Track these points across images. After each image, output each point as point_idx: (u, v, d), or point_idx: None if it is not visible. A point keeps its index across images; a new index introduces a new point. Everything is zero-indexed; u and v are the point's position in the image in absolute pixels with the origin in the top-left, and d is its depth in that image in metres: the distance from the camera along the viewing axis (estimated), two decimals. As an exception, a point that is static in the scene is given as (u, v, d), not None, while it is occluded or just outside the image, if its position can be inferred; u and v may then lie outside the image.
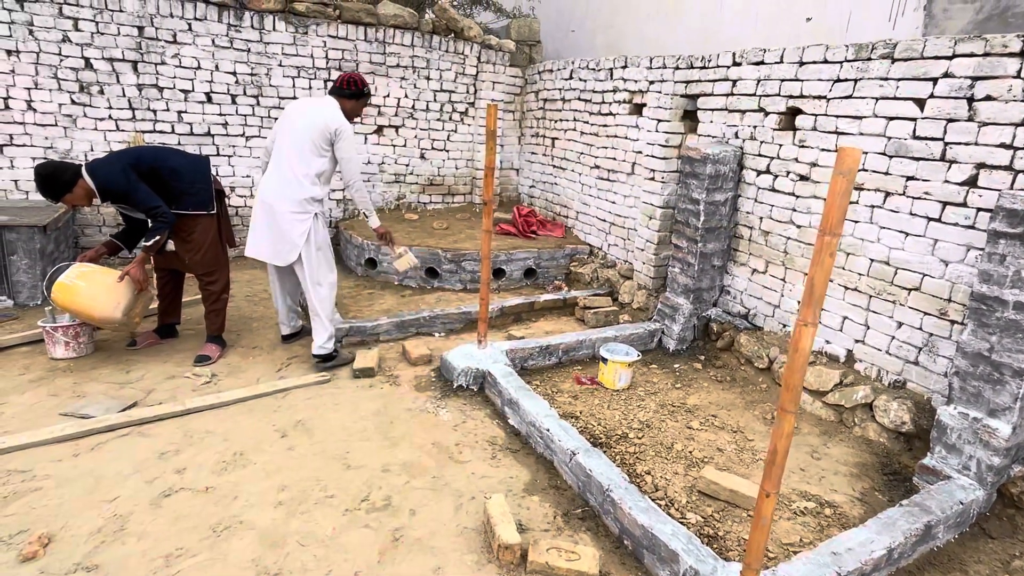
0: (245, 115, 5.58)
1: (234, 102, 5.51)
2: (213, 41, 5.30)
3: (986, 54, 2.71)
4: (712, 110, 4.19)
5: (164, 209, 3.42)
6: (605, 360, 3.54)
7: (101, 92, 5.08)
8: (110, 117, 5.15)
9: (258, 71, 5.51)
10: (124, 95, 5.14)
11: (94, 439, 2.78)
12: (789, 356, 1.64)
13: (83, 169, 3.29)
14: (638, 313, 4.65)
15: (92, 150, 5.16)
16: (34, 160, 5.02)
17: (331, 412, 3.14)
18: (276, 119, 5.67)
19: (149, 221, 3.47)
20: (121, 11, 4.97)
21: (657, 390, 3.60)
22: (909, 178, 3.06)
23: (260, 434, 2.90)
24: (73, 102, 5.03)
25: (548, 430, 2.81)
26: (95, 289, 3.36)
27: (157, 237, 3.42)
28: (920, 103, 2.99)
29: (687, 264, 4.13)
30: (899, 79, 3.06)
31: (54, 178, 3.22)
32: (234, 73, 5.44)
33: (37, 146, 5.01)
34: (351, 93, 3.55)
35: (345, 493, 2.51)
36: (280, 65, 5.56)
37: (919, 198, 3.03)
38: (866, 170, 3.25)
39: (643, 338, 4.15)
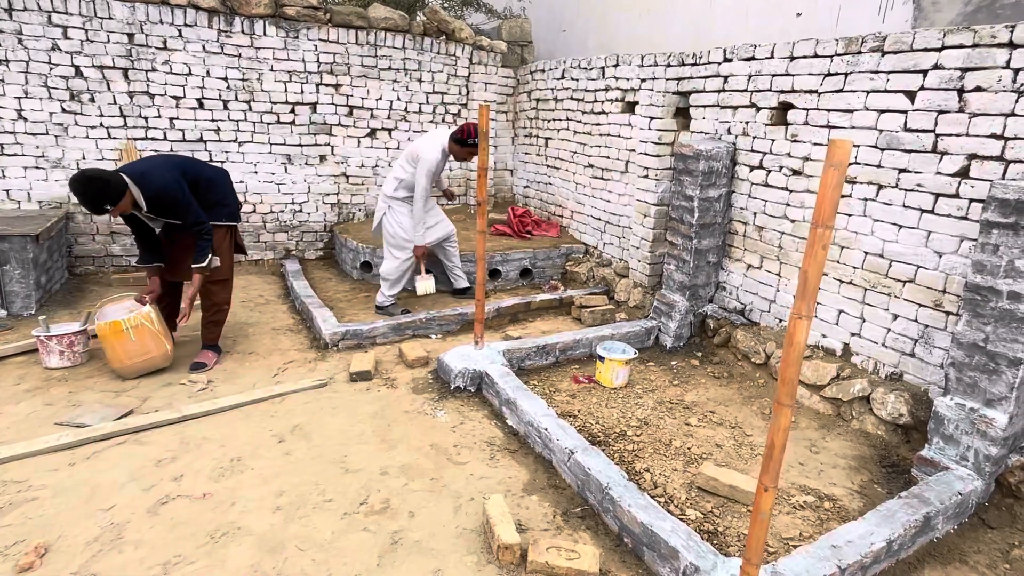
0: (237, 120, 5.56)
1: (226, 108, 5.50)
2: (204, 47, 5.28)
3: (975, 45, 2.72)
4: (704, 107, 4.20)
5: (208, 224, 3.48)
6: (602, 358, 3.53)
7: (92, 100, 5.06)
8: (101, 125, 5.13)
9: (249, 76, 5.49)
10: (115, 102, 5.12)
11: (90, 448, 2.76)
12: (784, 349, 1.64)
13: (125, 177, 3.22)
14: (634, 311, 4.65)
15: (84, 158, 5.14)
16: (25, 169, 5.00)
17: (328, 416, 3.13)
18: (270, 124, 5.66)
19: (160, 232, 3.55)
20: (110, 18, 4.95)
21: (655, 387, 3.60)
22: (901, 170, 3.07)
23: (257, 440, 2.89)
24: (64, 110, 5.01)
25: (546, 429, 2.80)
26: (146, 342, 3.42)
27: (209, 255, 3.48)
28: (911, 95, 2.99)
29: (682, 261, 4.13)
30: (889, 72, 3.06)
31: (105, 187, 3.07)
32: (225, 79, 5.43)
33: (28, 155, 4.99)
34: (457, 139, 4.28)
35: (343, 497, 2.50)
36: (271, 70, 5.55)
37: (912, 190, 3.03)
38: (858, 163, 3.25)
39: (640, 336, 4.15)
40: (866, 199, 3.25)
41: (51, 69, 4.89)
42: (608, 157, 5.21)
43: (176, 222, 3.43)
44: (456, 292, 4.97)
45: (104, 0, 4.90)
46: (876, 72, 3.12)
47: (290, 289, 5.05)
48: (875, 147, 3.17)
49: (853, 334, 3.40)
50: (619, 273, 5.05)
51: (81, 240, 5.29)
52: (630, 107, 4.90)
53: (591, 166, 5.46)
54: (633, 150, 4.83)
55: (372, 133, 6.13)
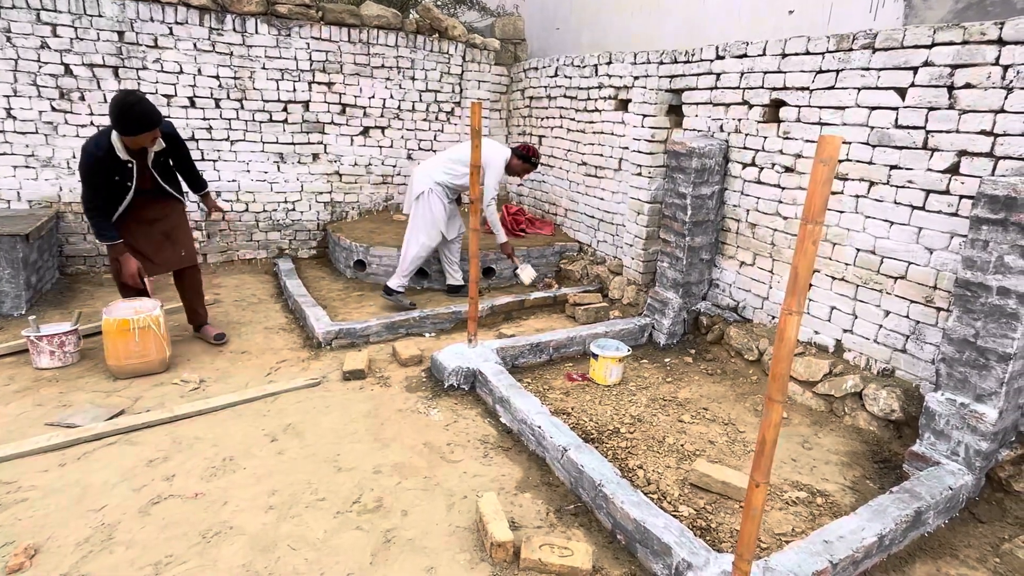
0: (229, 119, 5.53)
1: (218, 106, 5.47)
2: (195, 45, 5.25)
3: (965, 42, 2.73)
4: (697, 104, 4.20)
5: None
6: (596, 356, 3.54)
7: (82, 98, 5.02)
8: (92, 124, 5.09)
9: (241, 74, 5.47)
10: (106, 101, 5.08)
11: (81, 448, 2.74)
12: (775, 346, 1.64)
13: None
14: (628, 309, 4.66)
15: (74, 157, 5.10)
16: (15, 168, 4.96)
17: (321, 415, 3.12)
18: (262, 123, 5.63)
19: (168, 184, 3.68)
20: (100, 16, 4.91)
21: (648, 385, 3.60)
22: (892, 167, 3.08)
23: (250, 439, 2.88)
24: (54, 109, 4.97)
25: (539, 427, 2.80)
26: (147, 345, 3.45)
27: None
28: (901, 92, 3.00)
29: (675, 258, 4.14)
30: (880, 69, 3.07)
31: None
32: (217, 77, 5.40)
33: (18, 154, 4.95)
34: (521, 155, 4.63)
35: (336, 496, 2.49)
36: (264, 68, 5.53)
37: (903, 187, 3.04)
38: (850, 160, 3.27)
39: (633, 333, 4.15)
40: (858, 196, 3.26)
41: (40, 67, 4.85)
42: (601, 155, 5.21)
43: (169, 179, 3.68)
44: (449, 290, 4.97)
45: (94, -2, 4.86)
46: (867, 69, 3.13)
47: (283, 288, 5.03)
48: (866, 144, 3.18)
49: (845, 331, 3.41)
50: (613, 271, 5.05)
51: (72, 240, 5.26)
52: (623, 105, 4.90)
53: (584, 164, 5.46)
54: (626, 148, 4.84)
55: (365, 131, 6.11)
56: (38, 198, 5.08)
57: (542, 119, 6.07)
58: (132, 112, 3.19)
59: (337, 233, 5.62)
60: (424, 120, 6.34)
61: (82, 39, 4.91)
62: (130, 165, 3.42)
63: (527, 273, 4.88)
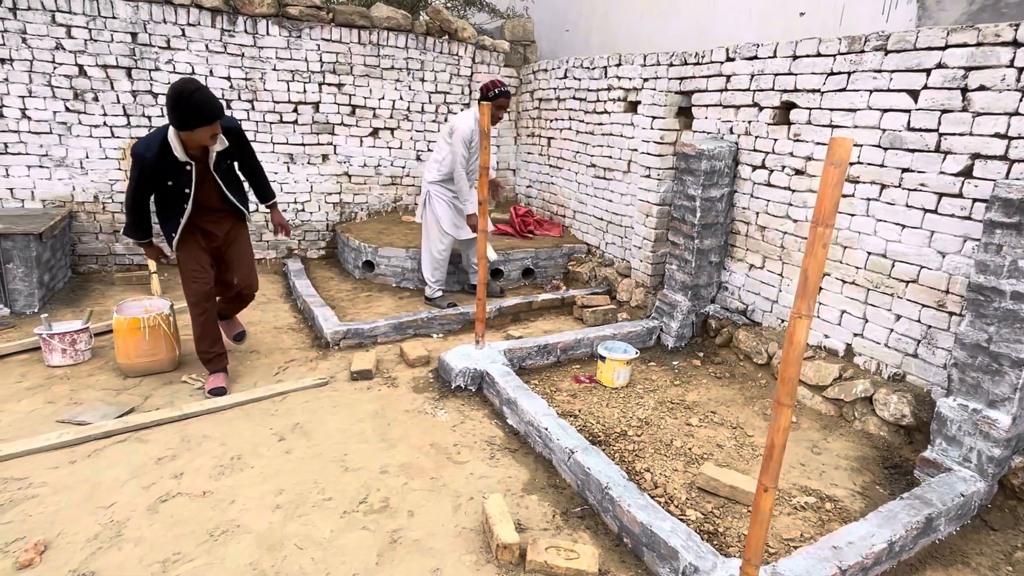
0: (240, 120, 5.57)
1: (229, 107, 5.50)
2: (207, 46, 5.29)
3: (979, 44, 2.70)
4: (706, 106, 4.19)
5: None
6: (603, 358, 3.53)
7: (96, 99, 5.07)
8: (105, 124, 5.14)
9: (252, 75, 5.50)
10: (119, 101, 5.14)
11: (91, 445, 2.77)
12: (784, 349, 1.63)
13: None
14: (636, 311, 4.64)
15: (88, 157, 5.16)
16: (29, 168, 5.02)
17: (329, 415, 3.13)
18: (272, 124, 5.67)
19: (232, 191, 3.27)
20: (114, 18, 4.96)
21: (656, 387, 3.59)
22: (904, 170, 3.05)
23: (257, 438, 2.89)
24: (68, 109, 5.02)
25: (546, 429, 2.79)
26: (157, 344, 3.46)
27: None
28: (914, 94, 2.98)
29: (684, 261, 4.12)
30: (892, 71, 3.05)
31: (212, 97, 2.87)
32: (228, 78, 5.43)
33: (32, 154, 5.01)
34: (481, 98, 4.33)
35: (343, 495, 2.50)
36: (274, 69, 5.56)
37: (915, 190, 3.01)
38: (861, 163, 3.24)
39: (641, 336, 4.14)
40: (869, 199, 3.23)
41: (55, 68, 4.91)
42: (610, 157, 5.20)
43: (231, 177, 3.25)
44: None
45: (109, 1, 4.91)
46: (879, 71, 3.10)
47: (292, 288, 5.05)
48: (878, 146, 3.16)
49: (856, 335, 3.38)
50: (621, 273, 5.04)
51: (84, 239, 5.31)
52: (632, 107, 4.89)
53: (593, 166, 5.45)
54: (635, 150, 4.82)
55: (374, 132, 6.13)
56: (51, 198, 5.14)
57: (551, 120, 6.07)
58: (190, 102, 2.76)
59: (346, 234, 5.65)
60: (433, 121, 6.35)
61: (96, 40, 4.96)
62: (188, 167, 3.00)
63: (491, 253, 4.69)
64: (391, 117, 6.15)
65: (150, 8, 5.04)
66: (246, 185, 3.45)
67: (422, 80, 6.17)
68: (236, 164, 3.29)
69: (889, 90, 3.07)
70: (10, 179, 4.99)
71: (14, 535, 2.19)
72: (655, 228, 4.54)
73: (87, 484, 2.50)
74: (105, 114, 5.13)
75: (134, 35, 5.05)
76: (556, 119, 5.98)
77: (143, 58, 5.12)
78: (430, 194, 4.61)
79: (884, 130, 3.12)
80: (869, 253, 3.26)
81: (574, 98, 5.64)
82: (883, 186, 3.16)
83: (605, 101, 5.19)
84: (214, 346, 3.35)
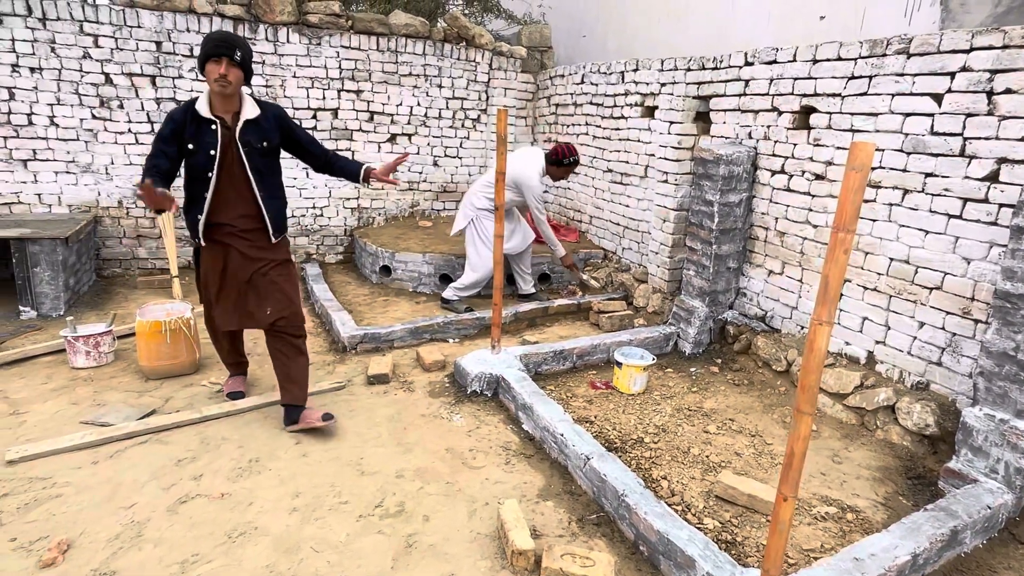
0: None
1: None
2: (229, 54, 5.37)
3: (1005, 46, 2.65)
4: (725, 111, 4.16)
5: None
6: (620, 364, 3.51)
7: (121, 106, 5.18)
8: (129, 131, 5.25)
9: (272, 83, 5.58)
10: (143, 109, 5.24)
11: (113, 446, 2.81)
12: (804, 356, 1.60)
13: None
14: (653, 317, 4.61)
15: (112, 163, 5.26)
16: (56, 174, 5.13)
17: (345, 419, 3.15)
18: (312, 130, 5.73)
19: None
20: (139, 27, 5.07)
21: (673, 394, 3.56)
22: (928, 175, 3.00)
23: (275, 441, 2.92)
24: (94, 116, 5.13)
25: (562, 435, 2.78)
26: (178, 347, 3.51)
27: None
28: (937, 98, 2.93)
29: (702, 267, 4.09)
30: (915, 74, 3.00)
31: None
32: (249, 85, 5.51)
33: (59, 160, 5.12)
34: (553, 161, 4.52)
35: (359, 499, 2.51)
36: (294, 76, 5.63)
37: (939, 195, 2.96)
38: (883, 167, 3.19)
39: (658, 342, 4.11)
40: (891, 204, 3.18)
41: (82, 76, 5.02)
42: (627, 162, 5.18)
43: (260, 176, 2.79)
44: (520, 296, 5.00)
45: (134, 10, 5.02)
46: (902, 75, 3.06)
47: (310, 292, 5.10)
48: (900, 151, 3.11)
49: (878, 342, 3.32)
50: (638, 278, 5.01)
51: (109, 243, 5.41)
52: (650, 111, 4.87)
53: (610, 171, 5.44)
54: (652, 155, 4.80)
55: (392, 139, 6.18)
56: (78, 203, 5.25)
57: (568, 126, 6.07)
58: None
59: (363, 239, 5.69)
60: (450, 127, 6.39)
61: (122, 49, 5.07)
62: (213, 126, 2.68)
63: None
64: (408, 123, 6.19)
65: (174, 17, 5.14)
66: (296, 195, 3.16)
67: (439, 86, 6.21)
68: (278, 167, 2.91)
69: (912, 94, 3.03)
70: (38, 185, 5.11)
71: (38, 534, 2.23)
72: (672, 233, 4.51)
73: (109, 484, 2.54)
74: (130, 121, 5.23)
75: (158, 44, 5.16)
76: (573, 124, 5.98)
77: (167, 66, 5.22)
78: (478, 216, 4.62)
79: (907, 134, 3.07)
80: (891, 259, 3.21)
81: (591, 103, 5.64)
82: (906, 191, 3.11)
83: (622, 106, 5.18)
84: (229, 357, 3.33)
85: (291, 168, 5.82)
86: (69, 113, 5.06)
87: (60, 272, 4.34)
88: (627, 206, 5.24)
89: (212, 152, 2.69)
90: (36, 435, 2.87)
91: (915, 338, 3.13)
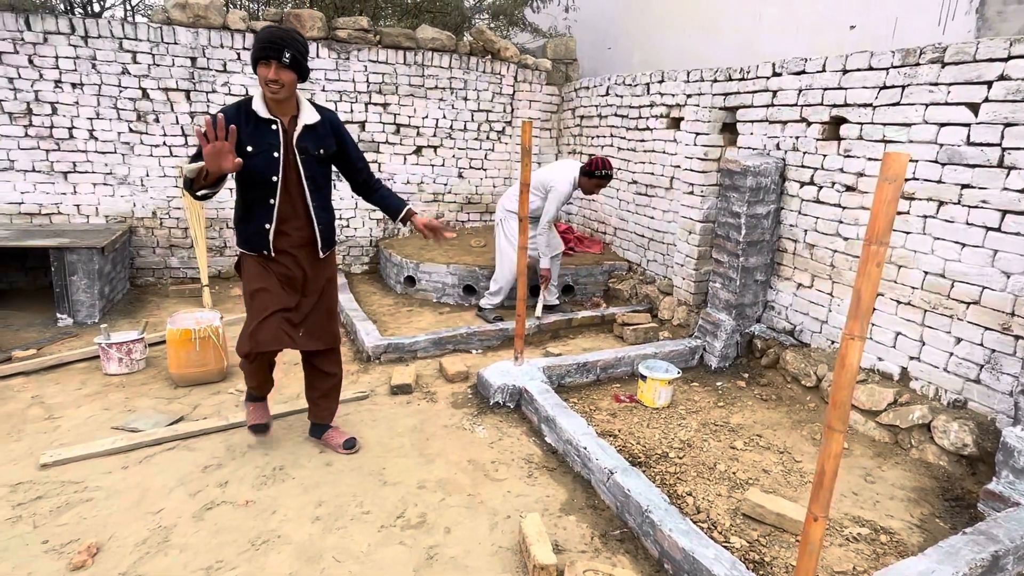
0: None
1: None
2: (260, 69, 5.51)
3: (1045, 55, 2.58)
4: (752, 122, 4.11)
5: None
6: (644, 377, 3.46)
7: (156, 120, 5.33)
8: (164, 144, 5.40)
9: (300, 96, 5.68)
10: (177, 122, 5.39)
11: (142, 452, 2.86)
12: (836, 371, 1.56)
13: None
14: (678, 330, 4.55)
15: (147, 175, 5.41)
16: (94, 186, 5.30)
17: (368, 428, 3.16)
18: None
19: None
20: (176, 43, 5.23)
21: (699, 408, 3.50)
22: (964, 186, 2.92)
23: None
24: (131, 130, 5.29)
25: (585, 448, 2.75)
26: (207, 354, 3.56)
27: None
28: (974, 108, 2.86)
29: (729, 279, 4.03)
30: (950, 84, 2.93)
31: (292, 33, 2.43)
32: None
33: (97, 172, 5.29)
34: (586, 172, 4.48)
35: (381, 510, 2.51)
36: (323, 90, 5.74)
37: (976, 207, 2.88)
38: (917, 179, 3.12)
39: (684, 355, 4.05)
40: (925, 216, 3.10)
41: (120, 91, 5.19)
42: (652, 173, 5.15)
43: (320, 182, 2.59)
44: (544, 307, 4.92)
45: (171, 27, 5.18)
46: (936, 84, 2.99)
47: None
48: (935, 162, 3.03)
49: (912, 358, 3.23)
50: (663, 291, 4.96)
51: (142, 253, 5.55)
52: (675, 123, 4.84)
53: (635, 182, 5.41)
54: (678, 166, 4.77)
55: (418, 150, 6.24)
56: (114, 213, 5.40)
57: (592, 138, 6.06)
58: (258, 36, 2.38)
59: (388, 249, 5.74)
60: (475, 139, 6.43)
61: (159, 65, 5.23)
62: (275, 127, 2.47)
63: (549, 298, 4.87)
64: (434, 135, 6.25)
65: (208, 33, 5.29)
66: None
67: (465, 99, 6.26)
68: (330, 176, 2.70)
69: (947, 103, 2.96)
70: (77, 196, 5.28)
71: (69, 536, 2.27)
72: (698, 246, 4.46)
73: (138, 489, 2.58)
74: (165, 134, 5.38)
75: (193, 59, 5.31)
76: (597, 136, 5.97)
77: (201, 81, 5.36)
78: (506, 218, 4.67)
79: (941, 145, 3.00)
80: (926, 273, 3.12)
81: (616, 115, 5.63)
82: (941, 203, 3.03)
83: (647, 118, 5.16)
84: (259, 378, 2.82)
85: (319, 180, 5.91)
86: (107, 127, 5.23)
87: (96, 280, 4.46)
88: (652, 218, 5.21)
89: (276, 154, 2.47)
90: (70, 439, 2.94)
91: (952, 354, 3.03)
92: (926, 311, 3.14)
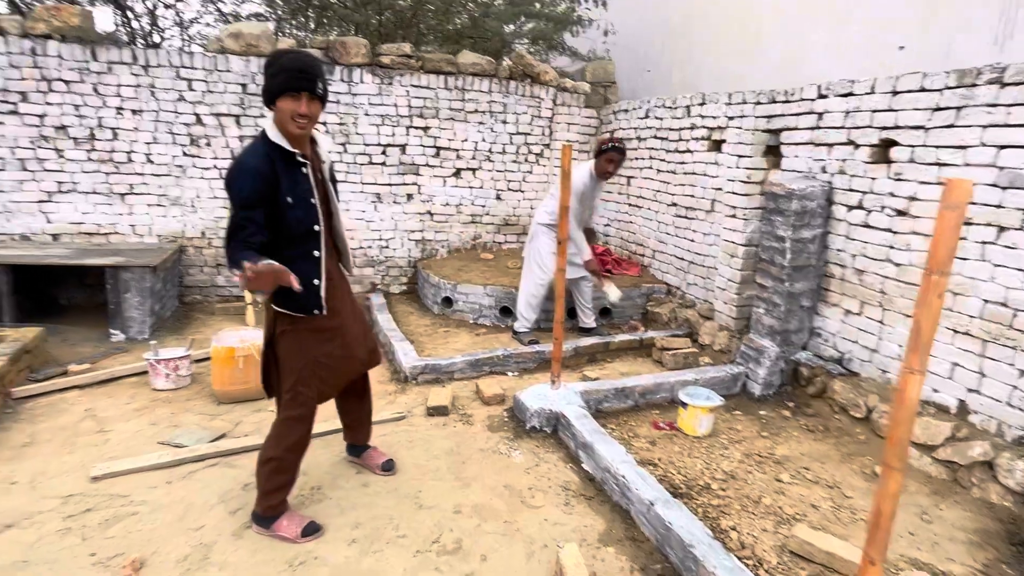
0: (333, 162, 5.91)
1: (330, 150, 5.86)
2: (307, 95, 5.69)
3: (1114, 74, 2.46)
4: (796, 144, 4.03)
5: None
6: (685, 405, 3.38)
7: (208, 144, 5.55)
8: (215, 167, 5.61)
9: (346, 120, 5.85)
10: (227, 146, 5.59)
11: (186, 467, 2.92)
12: (894, 407, 1.49)
13: None
14: (719, 355, 4.44)
15: (198, 196, 5.62)
16: (149, 207, 5.52)
17: (404, 450, 3.16)
18: (362, 165, 5.97)
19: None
20: (228, 71, 5.45)
21: (742, 438, 3.39)
22: (1027, 211, 2.78)
23: (336, 469, 2.96)
24: (184, 154, 5.52)
25: (624, 477, 2.69)
26: (249, 373, 3.62)
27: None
28: (1036, 130, 2.73)
29: (773, 304, 3.92)
30: (1011, 105, 2.82)
31: (315, 64, 2.18)
32: (324, 123, 5.81)
33: (151, 194, 5.51)
34: (595, 152, 4.54)
35: (416, 534, 2.49)
36: (366, 114, 5.89)
37: (1040, 233, 2.74)
38: (975, 203, 2.99)
39: (725, 382, 3.94)
40: (984, 242, 2.96)
41: (176, 117, 5.43)
42: (693, 196, 5.09)
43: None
44: (581, 330, 4.96)
45: (225, 56, 5.41)
46: (994, 106, 2.88)
47: (374, 322, 5.22)
48: (994, 186, 2.90)
49: (970, 390, 3.06)
50: (703, 315, 4.86)
51: (191, 271, 5.74)
52: (716, 145, 4.78)
53: (674, 204, 5.35)
54: (719, 188, 4.70)
55: (457, 173, 6.32)
56: (166, 233, 5.62)
57: (631, 159, 6.04)
58: (279, 63, 2.10)
59: (426, 270, 5.80)
60: (514, 162, 6.48)
61: (212, 92, 5.45)
62: (305, 168, 2.24)
63: (613, 292, 4.79)
64: (473, 158, 6.33)
65: (259, 62, 5.50)
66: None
67: (504, 122, 6.34)
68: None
69: (1007, 125, 2.84)
70: (133, 216, 5.51)
71: (115, 550, 2.32)
72: (740, 269, 4.36)
73: (181, 505, 2.63)
74: (215, 157, 5.59)
75: (244, 86, 5.52)
76: (636, 158, 5.94)
77: (250, 106, 5.57)
78: (537, 232, 4.70)
79: (1001, 168, 2.87)
80: (985, 301, 2.98)
81: (655, 137, 5.60)
82: (1001, 228, 2.89)
83: (688, 140, 5.12)
84: (297, 465, 2.52)
85: (360, 202, 6.05)
86: (163, 151, 5.46)
87: (148, 298, 4.63)
88: (692, 240, 5.13)
89: (312, 200, 2.23)
90: (118, 453, 3.03)
91: (1015, 388, 2.87)
92: (986, 341, 2.98)
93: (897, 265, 3.42)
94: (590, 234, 4.97)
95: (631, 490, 2.62)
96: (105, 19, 10.09)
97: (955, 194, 1.36)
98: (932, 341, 1.44)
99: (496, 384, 3.87)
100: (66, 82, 5.11)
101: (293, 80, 2.08)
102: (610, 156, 4.45)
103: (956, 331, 3.11)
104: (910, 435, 1.51)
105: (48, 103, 5.11)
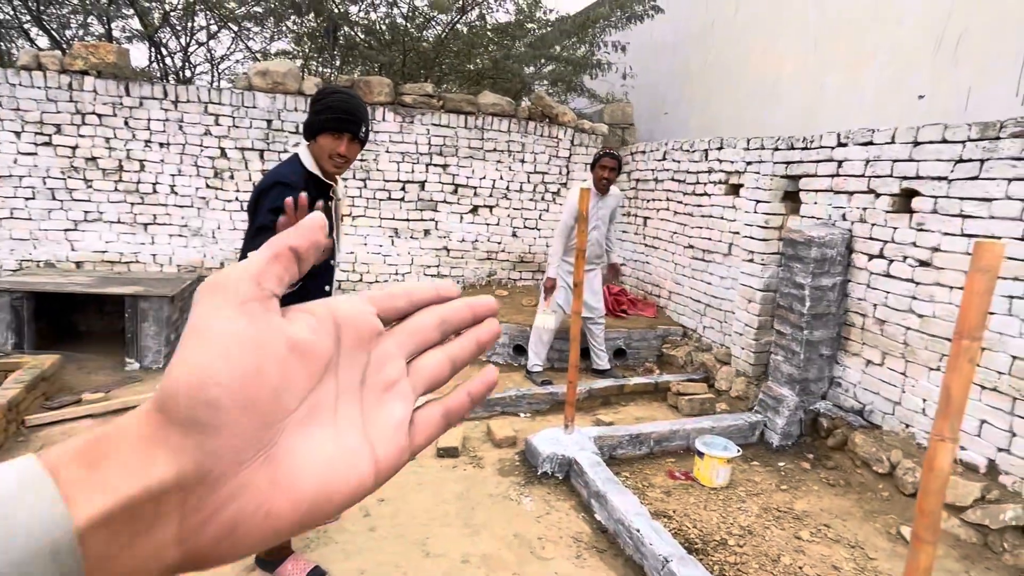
0: (353, 196, 6.00)
1: (345, 184, 5.95)
2: (330, 131, 5.81)
3: None
4: (815, 191, 4.01)
5: None
6: (701, 454, 3.29)
7: (231, 177, 5.66)
8: (236, 199, 5.71)
9: (367, 157, 5.95)
10: (250, 179, 5.70)
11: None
12: (923, 476, 1.43)
13: None
14: (737, 402, 4.35)
15: (219, 228, 5.71)
16: (170, 237, 5.62)
17: (414, 492, 3.10)
18: (382, 200, 6.05)
19: None
20: (255, 107, 5.59)
21: (760, 491, 3.29)
22: (1055, 267, 2.73)
23: (343, 511, 2.90)
24: (207, 186, 5.63)
25: (638, 530, 2.60)
26: None
27: None
28: (1063, 185, 2.69)
29: (791, 352, 3.85)
30: (1035, 159, 2.79)
31: (360, 107, 2.15)
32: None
33: (174, 224, 5.61)
34: (590, 167, 4.58)
35: (423, 583, 2.42)
36: (387, 151, 5.99)
37: (1070, 289, 2.67)
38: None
39: (743, 430, 3.85)
40: (1012, 296, 2.90)
41: (202, 151, 5.56)
42: (710, 239, 5.07)
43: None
44: (594, 371, 4.91)
45: (252, 92, 5.56)
46: (1019, 159, 2.85)
47: (387, 357, 5.19)
48: (1021, 240, 2.85)
49: (1000, 449, 2.96)
50: (720, 359, 4.78)
51: (208, 301, 5.78)
52: (734, 189, 4.78)
53: (691, 247, 5.33)
54: (737, 232, 4.68)
55: (474, 210, 6.38)
56: (186, 263, 5.69)
57: (648, 201, 6.06)
58: (325, 100, 2.09)
59: (441, 306, 5.79)
60: (531, 200, 6.53)
61: (238, 127, 5.59)
62: (330, 203, 2.20)
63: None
64: (490, 196, 6.39)
65: (284, 99, 5.65)
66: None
67: (522, 161, 6.41)
68: None
69: (1032, 180, 2.80)
70: (155, 246, 5.60)
71: None
72: (758, 315, 4.30)
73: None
74: (238, 190, 5.70)
75: (269, 122, 5.65)
76: (653, 199, 5.96)
77: (274, 141, 5.69)
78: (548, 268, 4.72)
79: (1027, 222, 2.83)
80: (1014, 357, 2.89)
81: (672, 179, 5.62)
82: (1029, 283, 2.83)
83: (705, 183, 5.13)
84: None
85: (378, 236, 6.10)
86: (187, 183, 5.58)
87: (164, 327, 4.66)
88: (709, 283, 5.09)
89: (332, 235, 2.16)
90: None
91: (1047, 449, 2.76)
92: (1016, 399, 2.89)
93: (920, 316, 3.35)
94: (614, 272, 4.91)
95: (645, 545, 2.54)
96: (140, 56, 10.50)
97: (986, 257, 1.33)
98: (964, 407, 1.39)
99: (508, 425, 3.81)
100: (99, 115, 5.26)
101: (338, 120, 2.07)
102: (604, 163, 4.40)
103: (984, 387, 3.02)
104: (941, 506, 1.44)
105: (81, 135, 5.26)
